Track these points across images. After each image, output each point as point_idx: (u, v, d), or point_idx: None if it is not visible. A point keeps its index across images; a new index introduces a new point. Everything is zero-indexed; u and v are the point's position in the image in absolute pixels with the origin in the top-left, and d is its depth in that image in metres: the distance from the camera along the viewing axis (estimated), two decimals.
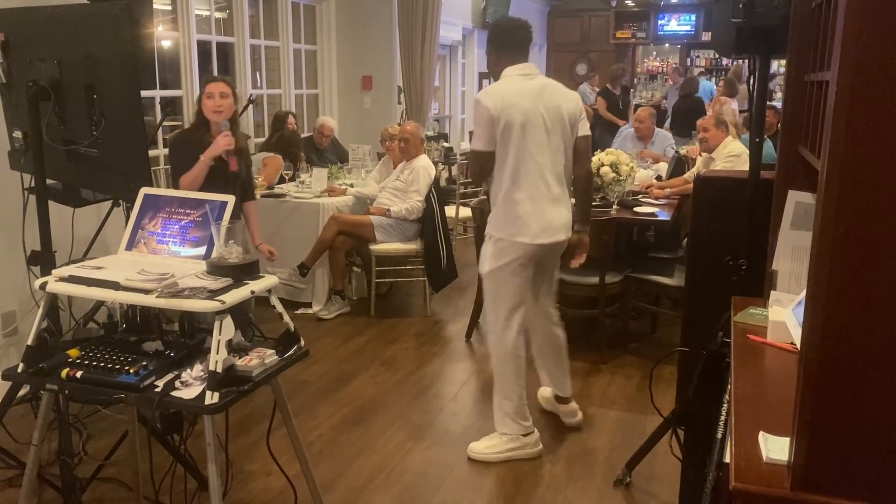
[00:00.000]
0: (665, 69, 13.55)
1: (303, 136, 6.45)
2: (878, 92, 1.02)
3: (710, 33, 10.13)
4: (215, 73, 5.98)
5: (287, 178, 5.53)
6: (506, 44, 3.06)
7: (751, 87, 2.32)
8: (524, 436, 3.14)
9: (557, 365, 3.38)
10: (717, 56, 12.93)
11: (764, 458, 1.28)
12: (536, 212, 2.97)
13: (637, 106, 9.36)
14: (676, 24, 13.08)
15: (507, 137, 2.92)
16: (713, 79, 12.06)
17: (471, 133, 4.06)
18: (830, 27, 1.55)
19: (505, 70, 3.03)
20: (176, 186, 3.29)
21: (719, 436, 2.03)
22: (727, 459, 1.50)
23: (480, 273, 3.17)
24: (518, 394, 3.12)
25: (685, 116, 8.28)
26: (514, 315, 3.08)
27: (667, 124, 8.98)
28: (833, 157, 1.06)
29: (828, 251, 1.08)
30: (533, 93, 2.97)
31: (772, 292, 2.03)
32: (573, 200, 3.18)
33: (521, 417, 3.14)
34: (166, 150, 5.45)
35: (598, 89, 9.92)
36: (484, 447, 3.17)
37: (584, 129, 3.12)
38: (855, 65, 1.03)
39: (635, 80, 13.64)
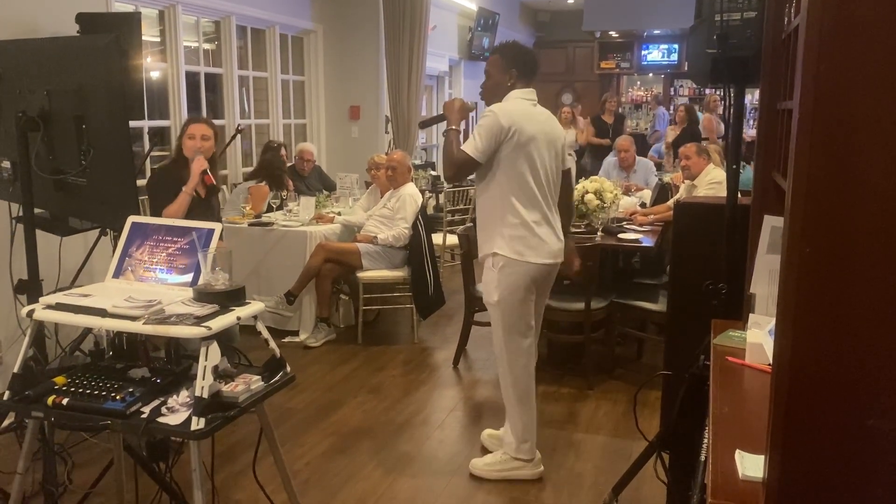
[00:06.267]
0: (648, 98, 13.73)
1: (289, 164, 6.47)
2: (837, 119, 1.07)
3: None
4: (204, 104, 6.04)
5: (275, 206, 5.54)
6: (523, 67, 3.08)
7: (727, 116, 2.38)
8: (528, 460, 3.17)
9: None
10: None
11: (740, 475, 1.31)
12: (542, 233, 3.00)
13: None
14: (659, 55, 13.30)
15: (516, 156, 2.93)
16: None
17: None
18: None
19: (512, 92, 3.05)
20: None
21: (703, 458, 2.05)
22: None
23: (487, 303, 3.11)
24: (533, 417, 3.15)
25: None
26: (527, 340, 3.09)
27: (651, 152, 9.08)
28: (797, 180, 1.10)
29: (795, 272, 1.11)
30: (539, 118, 3.06)
31: (750, 315, 2.07)
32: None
33: (533, 438, 3.16)
34: None
35: (582, 118, 10.07)
36: (484, 464, 3.20)
37: (570, 162, 3.24)
38: (815, 93, 1.07)
39: (620, 110, 13.80)
